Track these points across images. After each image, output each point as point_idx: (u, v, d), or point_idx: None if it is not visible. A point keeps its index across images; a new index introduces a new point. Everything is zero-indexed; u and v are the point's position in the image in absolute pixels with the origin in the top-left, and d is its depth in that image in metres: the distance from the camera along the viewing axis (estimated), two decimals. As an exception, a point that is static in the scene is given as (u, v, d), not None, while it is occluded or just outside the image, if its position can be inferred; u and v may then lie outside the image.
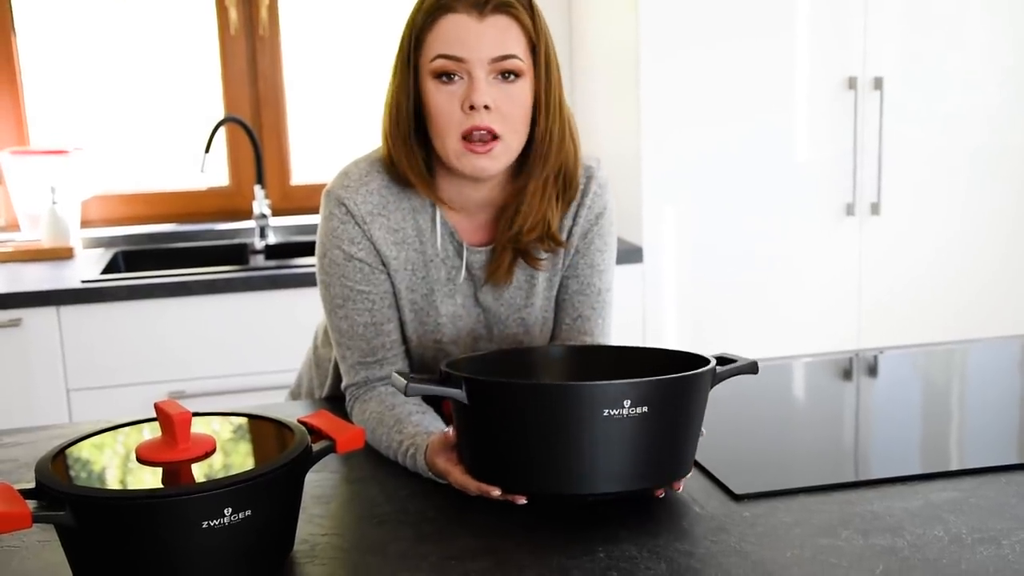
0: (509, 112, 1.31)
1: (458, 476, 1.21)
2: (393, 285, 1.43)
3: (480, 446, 1.16)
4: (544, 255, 1.45)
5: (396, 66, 1.36)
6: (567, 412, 1.09)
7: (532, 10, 1.33)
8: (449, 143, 1.32)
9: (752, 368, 1.25)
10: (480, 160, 1.32)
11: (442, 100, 1.31)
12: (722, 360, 1.26)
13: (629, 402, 1.08)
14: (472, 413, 1.15)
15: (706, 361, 1.21)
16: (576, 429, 1.09)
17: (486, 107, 1.29)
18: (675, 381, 1.13)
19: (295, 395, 1.76)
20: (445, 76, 1.30)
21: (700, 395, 1.18)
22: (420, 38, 1.32)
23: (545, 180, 1.38)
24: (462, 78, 1.30)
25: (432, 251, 1.42)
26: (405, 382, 1.14)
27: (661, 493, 1.20)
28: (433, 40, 1.30)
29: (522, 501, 1.15)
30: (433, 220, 1.41)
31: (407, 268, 1.42)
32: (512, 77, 1.31)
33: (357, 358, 1.43)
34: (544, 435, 1.10)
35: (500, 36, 1.29)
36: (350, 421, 1.42)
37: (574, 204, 1.45)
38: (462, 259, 1.43)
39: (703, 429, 1.23)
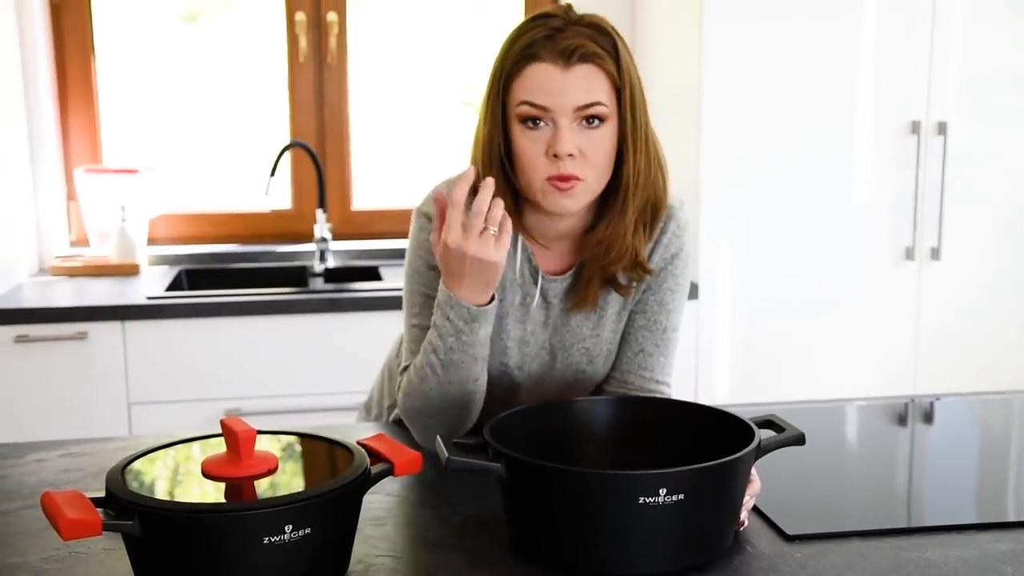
0: (593, 156, 1.35)
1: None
2: None
3: (518, 517, 1.16)
4: (630, 283, 1.47)
5: (485, 103, 1.40)
6: (603, 499, 1.08)
7: (617, 55, 1.36)
8: (534, 183, 1.37)
9: (799, 440, 1.22)
10: (562, 199, 1.36)
11: (527, 144, 1.36)
12: (768, 424, 1.25)
13: (665, 490, 1.07)
14: (511, 486, 1.15)
15: (750, 432, 1.18)
16: (611, 515, 1.08)
17: (570, 155, 1.33)
18: (713, 468, 1.11)
19: (367, 407, 1.79)
20: (531, 121, 1.35)
21: (740, 477, 1.16)
22: (508, 82, 1.36)
23: (634, 211, 1.41)
24: (547, 124, 1.34)
25: (511, 275, 1.46)
26: (447, 455, 1.13)
27: (744, 524, 1.22)
28: (520, 86, 1.35)
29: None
30: (515, 245, 1.46)
31: None
32: (596, 123, 1.35)
33: None
34: (579, 518, 1.09)
35: (585, 85, 1.33)
36: (405, 434, 1.45)
37: (651, 241, 1.47)
38: (537, 285, 1.47)
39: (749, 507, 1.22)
